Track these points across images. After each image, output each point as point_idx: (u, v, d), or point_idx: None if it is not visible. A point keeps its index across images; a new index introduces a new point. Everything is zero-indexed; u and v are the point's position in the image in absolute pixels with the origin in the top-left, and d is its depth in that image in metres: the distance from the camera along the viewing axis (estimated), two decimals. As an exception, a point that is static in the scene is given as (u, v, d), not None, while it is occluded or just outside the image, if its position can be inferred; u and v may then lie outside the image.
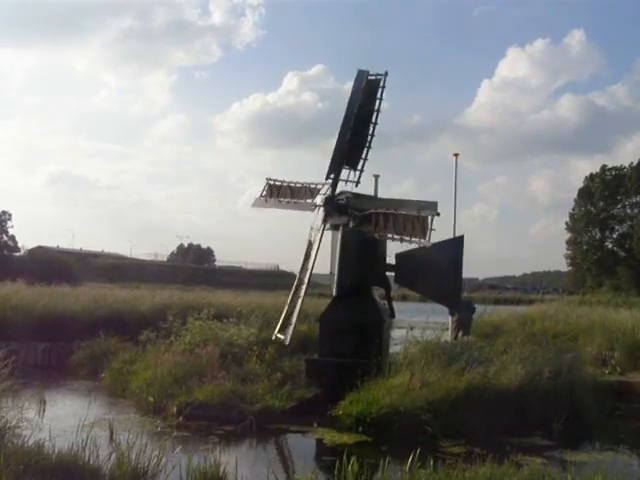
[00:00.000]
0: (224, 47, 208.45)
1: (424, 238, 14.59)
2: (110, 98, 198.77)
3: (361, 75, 16.48)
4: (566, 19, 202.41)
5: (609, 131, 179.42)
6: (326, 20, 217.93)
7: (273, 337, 16.56)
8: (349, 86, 16.72)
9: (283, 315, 16.60)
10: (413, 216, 14.86)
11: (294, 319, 15.84)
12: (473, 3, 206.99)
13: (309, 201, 17.26)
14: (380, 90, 16.28)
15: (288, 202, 17.92)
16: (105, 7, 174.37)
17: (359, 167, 16.48)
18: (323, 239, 16.36)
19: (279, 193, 18.24)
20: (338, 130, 16.29)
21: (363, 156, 16.43)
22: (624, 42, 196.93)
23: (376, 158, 16.34)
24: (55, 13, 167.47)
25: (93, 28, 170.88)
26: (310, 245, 16.51)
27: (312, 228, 16.54)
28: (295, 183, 18.02)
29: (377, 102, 16.30)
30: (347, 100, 16.46)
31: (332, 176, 16.47)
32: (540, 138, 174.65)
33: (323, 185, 16.96)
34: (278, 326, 16.60)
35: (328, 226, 16.34)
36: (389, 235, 15.48)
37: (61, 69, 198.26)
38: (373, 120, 16.32)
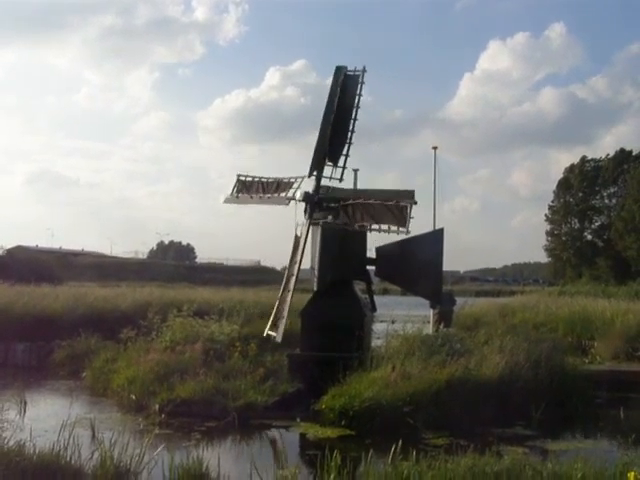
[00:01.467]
0: (207, 44, 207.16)
1: (403, 227, 14.67)
2: (92, 96, 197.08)
3: (339, 71, 16.47)
4: (547, 12, 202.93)
5: (589, 123, 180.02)
6: (309, 14, 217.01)
7: (265, 334, 16.24)
8: (331, 81, 16.64)
9: (274, 311, 16.28)
10: (391, 205, 14.91)
11: (285, 312, 15.56)
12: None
13: (282, 195, 17.07)
14: (359, 86, 16.32)
15: (261, 197, 17.61)
16: (87, 4, 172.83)
17: (340, 164, 16.39)
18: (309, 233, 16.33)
19: (250, 189, 17.95)
20: (319, 127, 16.28)
21: (344, 152, 16.31)
22: (604, 35, 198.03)
23: (358, 153, 16.40)
24: (36, 11, 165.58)
25: (75, 25, 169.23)
26: (297, 240, 16.43)
27: (298, 224, 16.48)
28: (267, 178, 17.78)
29: (356, 98, 16.30)
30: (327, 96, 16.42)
31: (315, 173, 16.39)
32: (521, 131, 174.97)
33: (297, 179, 16.85)
34: (269, 323, 16.25)
35: (305, 216, 16.29)
36: (368, 225, 15.44)
37: (42, 67, 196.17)
38: (353, 116, 16.27)
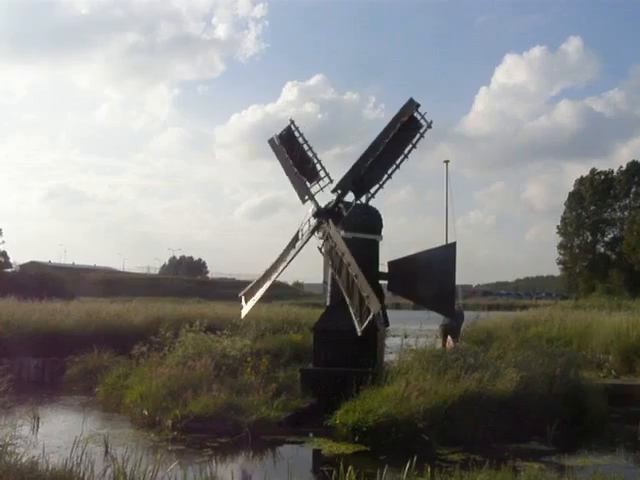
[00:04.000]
0: (227, 60, 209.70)
1: (423, 125, 15.85)
2: (112, 113, 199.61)
3: (272, 142, 17.47)
4: (563, 26, 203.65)
5: (606, 136, 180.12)
6: (327, 30, 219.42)
7: (359, 333, 14.50)
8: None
9: (352, 307, 14.80)
10: (401, 125, 15.57)
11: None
12: (474, 13, 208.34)
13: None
14: (296, 131, 17.15)
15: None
16: (110, 23, 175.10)
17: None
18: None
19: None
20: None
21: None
22: (620, 48, 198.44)
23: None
24: (59, 29, 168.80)
25: (97, 44, 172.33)
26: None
27: (320, 247, 16.35)
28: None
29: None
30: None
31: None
32: (537, 145, 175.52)
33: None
34: (356, 322, 14.59)
35: (320, 235, 16.28)
36: (397, 161, 16.10)
37: (64, 84, 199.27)
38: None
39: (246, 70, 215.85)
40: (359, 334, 14.11)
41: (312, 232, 16.31)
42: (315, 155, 17.46)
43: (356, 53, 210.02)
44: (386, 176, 16.16)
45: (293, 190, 17.46)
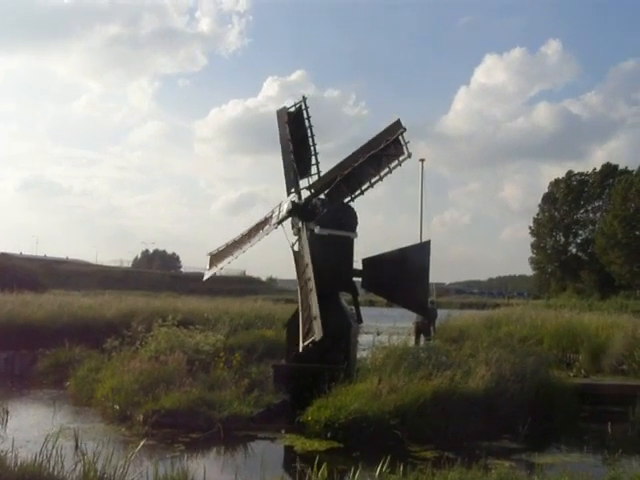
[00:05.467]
0: (209, 55, 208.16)
1: (404, 153, 15.25)
2: (91, 104, 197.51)
3: (281, 114, 17.72)
4: (543, 29, 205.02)
5: (582, 139, 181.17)
6: (309, 26, 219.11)
7: (301, 349, 13.95)
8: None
9: (301, 320, 14.36)
10: (383, 148, 15.38)
11: (315, 311, 13.83)
12: (458, 13, 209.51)
13: (267, 227, 17.09)
14: (304, 112, 17.35)
15: (242, 248, 17.63)
16: (93, 14, 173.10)
17: (313, 172, 17.00)
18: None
19: (226, 254, 18.10)
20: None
21: (313, 162, 17.04)
22: (599, 51, 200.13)
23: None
24: (41, 19, 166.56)
25: (79, 34, 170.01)
26: (298, 254, 15.96)
27: (292, 244, 16.33)
28: (241, 234, 17.89)
29: (306, 121, 17.33)
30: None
31: (292, 190, 16.78)
32: (515, 145, 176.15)
33: (273, 210, 17.15)
34: (301, 336, 14.07)
35: (295, 231, 16.26)
36: (372, 180, 15.71)
37: (44, 74, 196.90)
38: (309, 134, 17.24)
39: (228, 65, 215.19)
40: (300, 350, 13.86)
41: (305, 230, 16.02)
42: (315, 147, 17.28)
43: (337, 50, 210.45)
44: (359, 192, 15.99)
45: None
